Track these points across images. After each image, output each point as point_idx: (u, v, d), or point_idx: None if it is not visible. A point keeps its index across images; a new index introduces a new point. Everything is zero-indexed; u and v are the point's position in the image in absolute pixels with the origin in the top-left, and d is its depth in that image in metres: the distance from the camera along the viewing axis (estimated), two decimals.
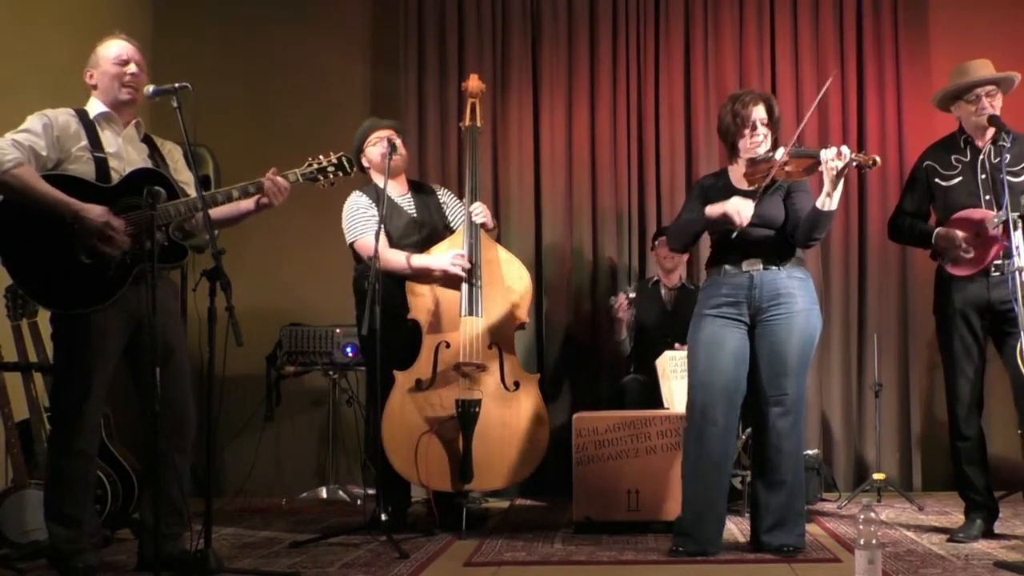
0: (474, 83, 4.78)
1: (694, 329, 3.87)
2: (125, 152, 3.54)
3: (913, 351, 5.62)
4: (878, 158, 3.69)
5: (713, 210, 3.78)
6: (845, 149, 3.64)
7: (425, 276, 4.41)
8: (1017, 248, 3.54)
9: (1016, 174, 3.97)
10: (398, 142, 4.49)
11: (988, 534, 4.02)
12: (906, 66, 5.77)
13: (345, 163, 3.69)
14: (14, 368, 4.12)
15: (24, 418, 4.10)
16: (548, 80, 5.89)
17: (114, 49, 3.55)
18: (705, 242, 4.19)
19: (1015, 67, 4.16)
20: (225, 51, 6.00)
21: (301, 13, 6.03)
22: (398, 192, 4.57)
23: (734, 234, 3.76)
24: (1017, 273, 3.52)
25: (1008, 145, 3.92)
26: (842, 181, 3.66)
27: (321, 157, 3.69)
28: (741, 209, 3.70)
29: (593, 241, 5.83)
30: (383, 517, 4.05)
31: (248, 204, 3.60)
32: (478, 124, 4.72)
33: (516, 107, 5.86)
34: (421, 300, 4.42)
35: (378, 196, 4.42)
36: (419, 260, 4.40)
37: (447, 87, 5.88)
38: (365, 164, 4.57)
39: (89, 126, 3.50)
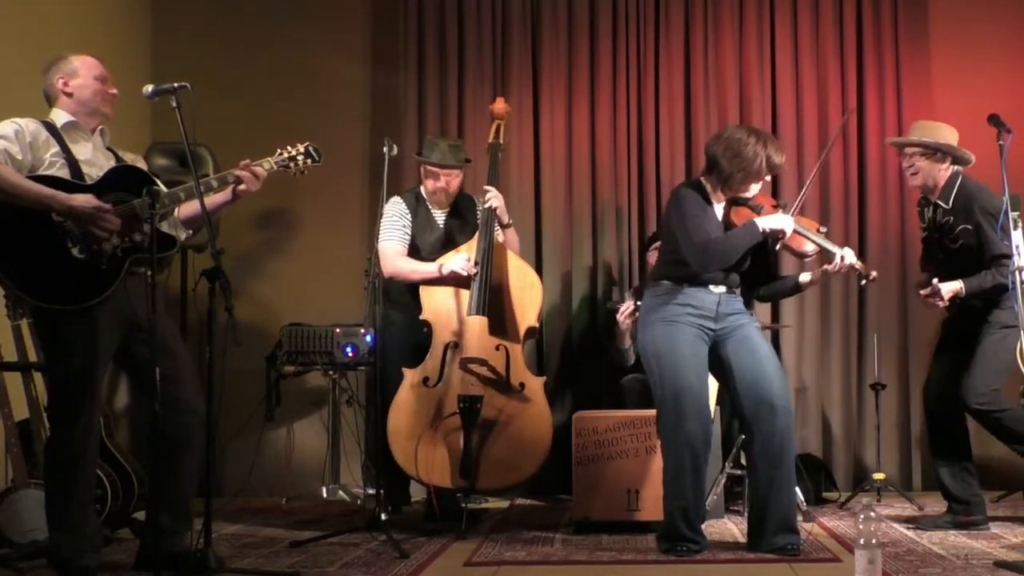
0: (499, 106, 4.89)
1: (651, 335, 3.86)
2: (96, 159, 3.55)
3: (913, 351, 5.61)
4: (875, 274, 3.92)
5: (767, 224, 3.79)
6: (851, 256, 3.81)
7: (436, 279, 4.52)
8: (1017, 248, 3.55)
9: (954, 239, 4.09)
10: (442, 184, 4.65)
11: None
12: (906, 66, 5.76)
13: (312, 152, 3.72)
14: (14, 368, 4.12)
15: (24, 418, 4.10)
16: (548, 80, 5.88)
17: (95, 66, 3.58)
18: None
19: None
20: (225, 51, 5.99)
21: (301, 13, 6.02)
22: (438, 207, 4.74)
23: (778, 245, 3.88)
24: (1017, 273, 3.52)
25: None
26: None
27: (289, 147, 3.71)
28: (787, 224, 3.80)
29: (593, 241, 5.83)
30: (383, 517, 4.06)
31: (225, 195, 3.62)
32: (501, 142, 4.82)
33: (516, 107, 5.84)
34: (432, 300, 4.51)
35: (416, 206, 4.68)
36: (425, 267, 4.55)
37: (447, 87, 5.87)
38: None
39: (57, 136, 3.49)
